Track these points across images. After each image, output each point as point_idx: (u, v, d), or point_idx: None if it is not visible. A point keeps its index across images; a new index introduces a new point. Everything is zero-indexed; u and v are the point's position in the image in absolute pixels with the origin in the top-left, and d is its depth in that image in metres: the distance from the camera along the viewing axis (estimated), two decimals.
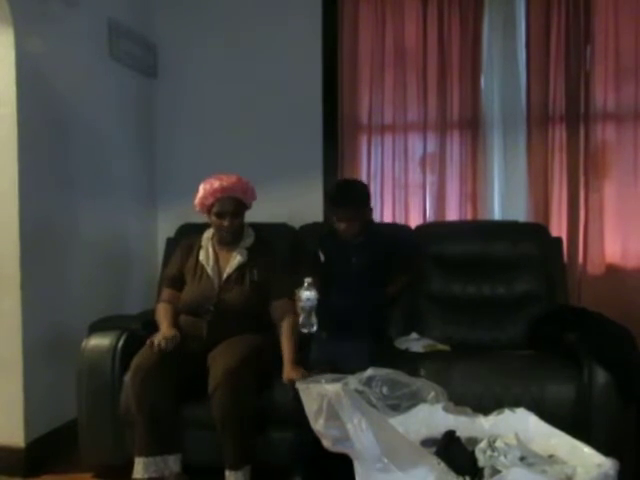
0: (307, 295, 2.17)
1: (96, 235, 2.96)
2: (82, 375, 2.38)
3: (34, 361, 2.50)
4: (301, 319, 2.20)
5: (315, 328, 2.20)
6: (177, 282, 2.52)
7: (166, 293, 2.53)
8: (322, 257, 2.55)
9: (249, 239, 2.52)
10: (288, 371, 2.24)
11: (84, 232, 2.86)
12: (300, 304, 2.19)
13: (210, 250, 2.50)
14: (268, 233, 2.66)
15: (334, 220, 2.54)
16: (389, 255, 2.61)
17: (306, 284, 2.19)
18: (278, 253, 2.61)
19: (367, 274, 2.54)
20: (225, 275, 2.45)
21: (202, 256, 2.50)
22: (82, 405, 2.39)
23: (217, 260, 2.49)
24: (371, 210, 2.65)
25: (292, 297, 2.32)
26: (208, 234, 2.55)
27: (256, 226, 2.60)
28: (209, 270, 2.46)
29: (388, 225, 3.16)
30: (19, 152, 2.43)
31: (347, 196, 2.55)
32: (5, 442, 2.47)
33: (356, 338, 2.32)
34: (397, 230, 3.04)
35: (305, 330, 2.21)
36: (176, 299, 2.49)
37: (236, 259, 2.46)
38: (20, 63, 2.43)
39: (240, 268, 2.45)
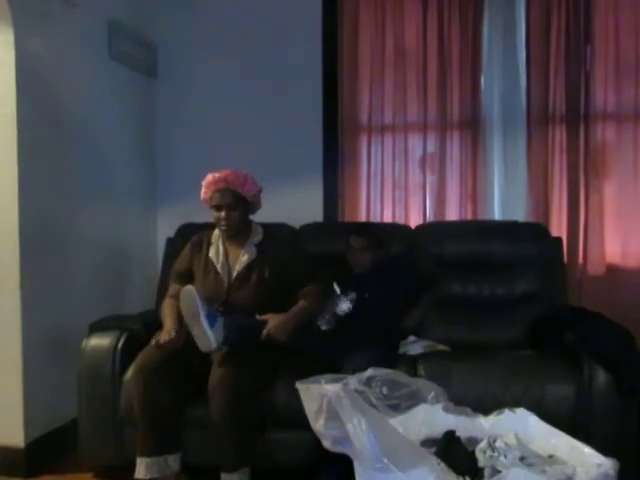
0: (347, 305, 2.36)
1: (96, 235, 2.96)
2: (82, 375, 2.37)
3: (34, 361, 2.50)
4: (326, 317, 2.35)
5: (330, 327, 2.34)
6: (185, 278, 2.50)
7: (174, 289, 2.52)
8: (338, 290, 2.56)
9: (257, 236, 2.50)
10: (275, 327, 2.27)
11: (84, 232, 2.86)
12: (336, 308, 2.34)
13: (220, 247, 2.50)
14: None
15: (348, 251, 2.62)
16: (404, 289, 2.67)
17: (350, 297, 2.36)
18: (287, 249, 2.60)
19: (382, 309, 2.54)
20: (235, 273, 2.44)
21: (212, 253, 2.49)
22: (82, 405, 2.38)
23: (227, 257, 2.49)
24: (385, 250, 2.69)
25: (313, 282, 2.44)
26: (218, 231, 2.53)
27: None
28: (218, 267, 2.45)
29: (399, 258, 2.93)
30: (19, 152, 2.42)
31: (363, 227, 2.80)
32: (5, 442, 2.47)
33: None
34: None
35: (322, 326, 2.35)
36: None
37: (245, 257, 2.46)
38: (20, 63, 2.42)
39: (249, 266, 2.45)
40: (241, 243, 2.49)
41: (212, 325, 2.09)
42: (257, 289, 2.42)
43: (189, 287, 2.17)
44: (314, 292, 2.46)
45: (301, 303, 2.42)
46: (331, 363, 2.14)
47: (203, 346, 2.13)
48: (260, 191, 2.50)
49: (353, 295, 2.36)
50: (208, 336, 2.09)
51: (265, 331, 2.25)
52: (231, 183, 2.39)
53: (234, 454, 2.15)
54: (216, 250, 2.50)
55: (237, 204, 2.41)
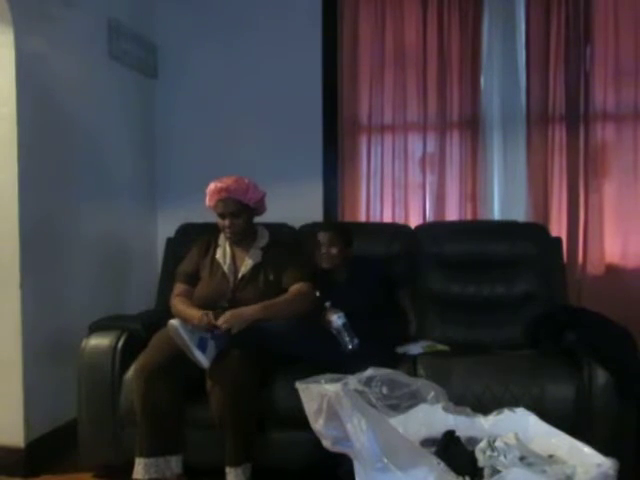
0: (336, 315, 2.33)
1: (96, 235, 2.96)
2: (82, 375, 2.38)
3: (34, 361, 2.50)
4: (342, 339, 2.33)
5: (357, 341, 2.33)
6: (192, 278, 2.54)
7: (181, 288, 2.54)
8: (317, 293, 2.55)
9: (263, 239, 2.56)
10: (232, 315, 2.24)
11: (84, 232, 2.86)
12: (333, 326, 2.33)
13: (227, 249, 2.54)
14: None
15: (315, 250, 2.64)
16: (383, 285, 2.71)
17: (328, 307, 2.35)
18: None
19: (366, 308, 2.55)
20: (240, 275, 2.48)
21: (219, 254, 2.54)
22: (82, 405, 2.38)
23: (233, 260, 2.53)
24: (352, 249, 2.71)
25: (303, 280, 2.46)
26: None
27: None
28: (225, 268, 2.50)
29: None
30: (19, 152, 2.42)
31: (329, 223, 2.89)
32: (5, 442, 2.47)
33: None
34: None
35: (350, 347, 2.33)
36: (191, 295, 2.51)
37: (250, 260, 2.50)
38: (20, 63, 2.42)
39: (255, 268, 2.49)
40: (247, 247, 2.53)
41: (204, 351, 2.17)
42: (262, 291, 2.44)
43: (172, 322, 2.18)
44: (298, 290, 2.44)
45: (277, 298, 2.39)
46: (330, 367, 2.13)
47: (199, 366, 2.18)
48: (263, 196, 2.54)
49: (328, 303, 2.37)
50: (202, 362, 2.16)
51: (221, 319, 2.22)
52: (233, 192, 2.42)
53: (236, 448, 2.15)
54: (223, 252, 2.54)
55: (240, 212, 2.45)
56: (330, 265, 2.63)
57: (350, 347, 2.32)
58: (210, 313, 2.27)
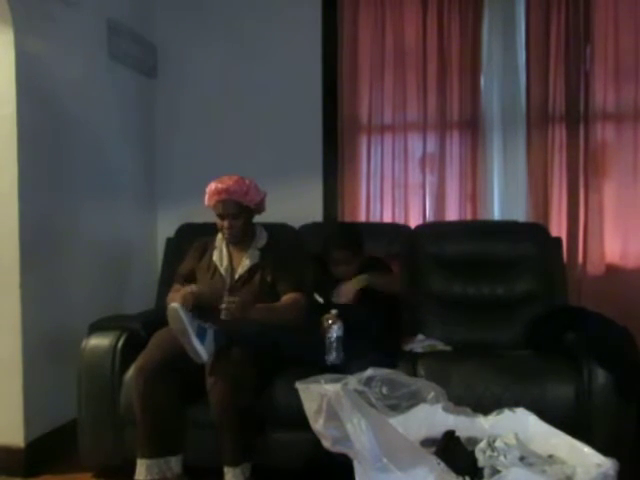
0: (336, 325, 2.27)
1: (96, 235, 2.96)
2: (82, 375, 2.37)
3: (34, 361, 2.50)
4: (329, 350, 2.27)
5: (341, 359, 2.27)
6: (189, 280, 2.53)
7: (177, 288, 2.53)
8: (320, 300, 2.54)
9: (262, 240, 2.54)
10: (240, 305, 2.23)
11: (84, 232, 2.86)
12: (329, 334, 2.27)
13: (224, 250, 2.52)
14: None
15: (330, 263, 2.60)
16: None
17: (335, 314, 2.29)
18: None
19: (368, 305, 2.55)
20: (237, 276, 2.47)
21: (216, 256, 2.52)
22: (82, 405, 2.38)
23: (231, 260, 2.50)
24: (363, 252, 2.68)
25: (298, 289, 2.42)
26: (221, 235, 2.55)
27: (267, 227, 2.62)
28: (222, 270, 2.48)
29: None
30: (19, 152, 2.42)
31: (342, 235, 2.68)
32: (5, 442, 2.47)
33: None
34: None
35: (332, 360, 2.27)
36: None
37: (248, 260, 2.48)
38: (20, 63, 2.42)
39: (252, 269, 2.47)
40: (245, 247, 2.51)
41: (202, 341, 2.11)
42: (258, 291, 2.44)
43: (174, 305, 2.14)
44: (293, 299, 2.43)
45: (276, 303, 2.40)
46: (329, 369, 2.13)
47: (196, 359, 2.14)
48: (264, 197, 2.51)
49: (335, 312, 2.35)
50: (199, 353, 2.11)
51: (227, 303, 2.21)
52: (233, 194, 2.39)
53: (235, 448, 2.15)
54: (220, 254, 2.52)
55: (240, 213, 2.43)
56: (348, 278, 2.60)
57: (331, 361, 2.28)
58: (194, 286, 2.32)
